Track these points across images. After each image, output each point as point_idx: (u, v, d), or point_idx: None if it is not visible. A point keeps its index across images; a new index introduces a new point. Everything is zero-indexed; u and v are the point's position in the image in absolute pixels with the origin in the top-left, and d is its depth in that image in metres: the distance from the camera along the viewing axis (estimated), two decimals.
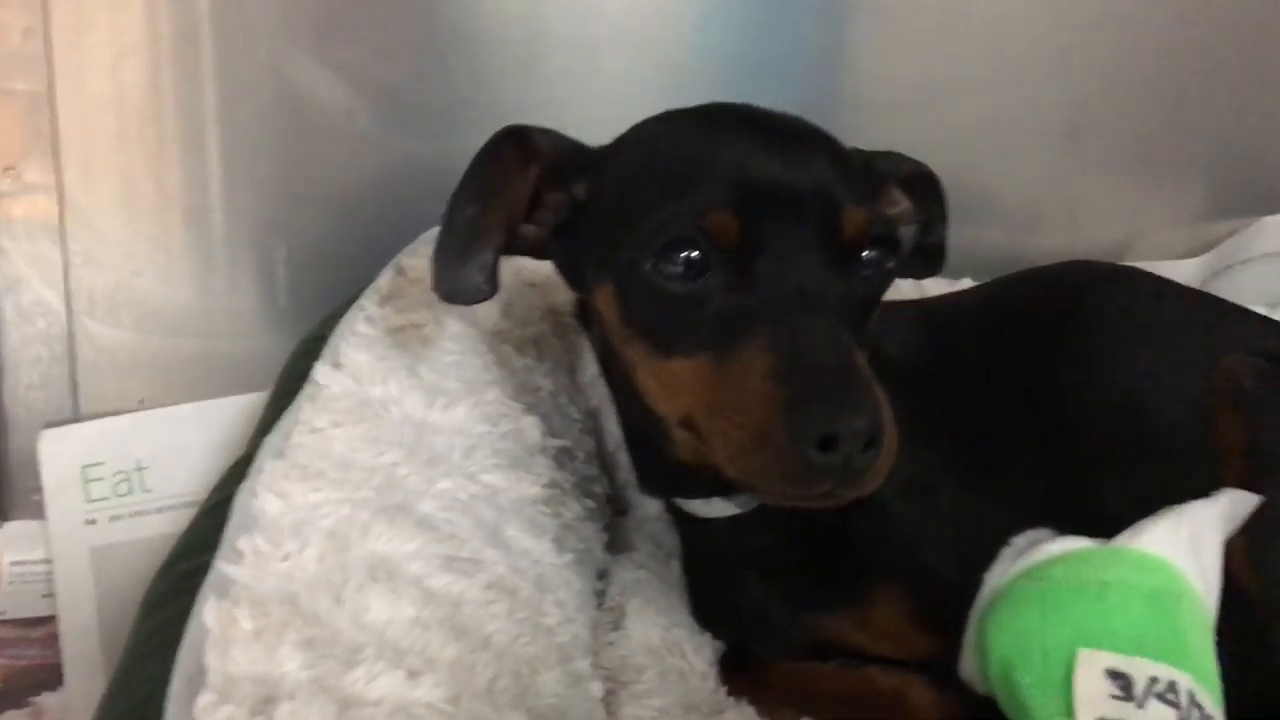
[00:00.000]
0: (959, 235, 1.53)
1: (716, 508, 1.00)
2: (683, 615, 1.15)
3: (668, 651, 1.11)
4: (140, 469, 1.41)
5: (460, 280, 0.91)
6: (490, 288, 0.92)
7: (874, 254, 0.86)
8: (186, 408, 1.43)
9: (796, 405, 0.75)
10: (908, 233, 0.97)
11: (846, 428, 0.73)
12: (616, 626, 1.13)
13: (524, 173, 0.93)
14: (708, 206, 0.82)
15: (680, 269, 0.83)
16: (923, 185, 0.94)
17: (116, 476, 1.40)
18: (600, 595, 1.17)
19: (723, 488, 0.94)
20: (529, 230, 0.96)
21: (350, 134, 1.38)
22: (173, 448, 1.41)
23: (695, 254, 0.83)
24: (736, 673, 1.09)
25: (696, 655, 1.11)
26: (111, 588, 1.35)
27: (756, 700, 1.05)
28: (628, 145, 0.94)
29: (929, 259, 0.98)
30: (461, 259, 0.91)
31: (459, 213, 0.91)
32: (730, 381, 0.80)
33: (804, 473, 0.75)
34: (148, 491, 1.40)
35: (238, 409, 1.41)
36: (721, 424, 0.80)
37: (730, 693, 1.07)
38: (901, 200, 0.95)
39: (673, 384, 0.87)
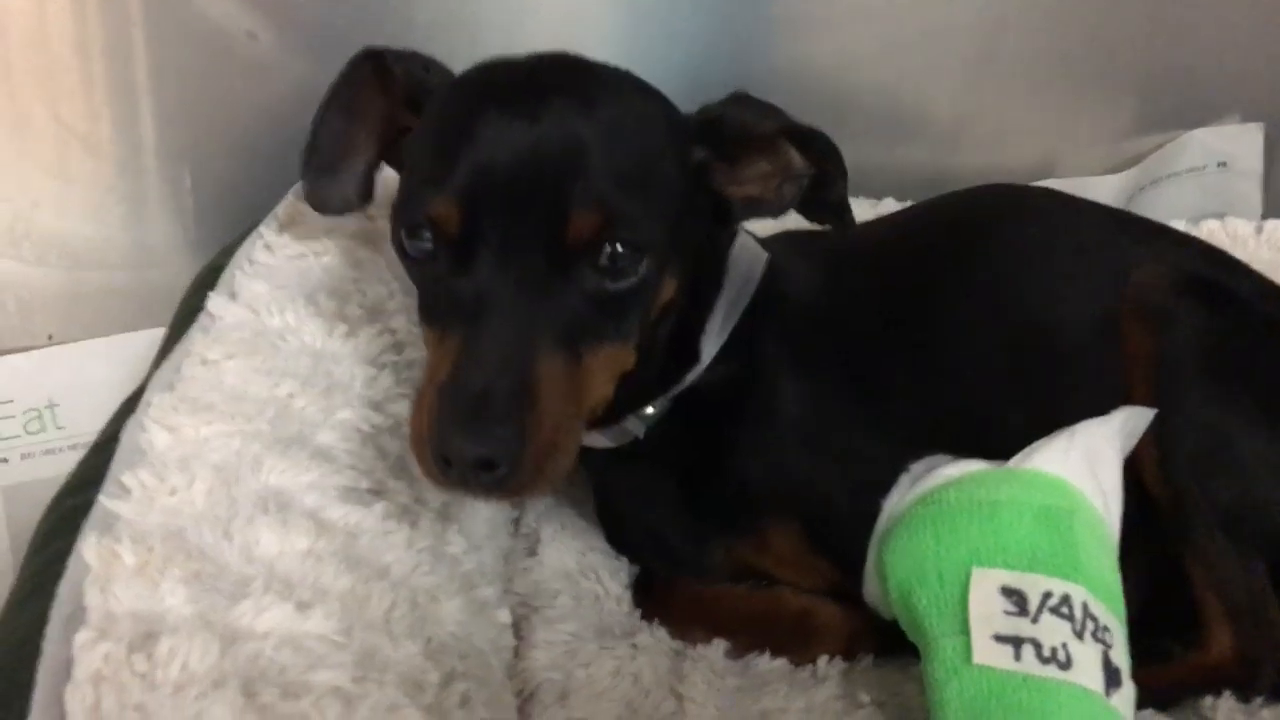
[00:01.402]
0: (885, 155, 1.54)
1: (593, 439, 1.00)
2: (599, 540, 1.15)
3: (582, 576, 1.11)
4: (51, 406, 1.38)
5: (330, 192, 0.96)
6: (360, 200, 0.96)
7: (624, 251, 0.83)
8: (98, 342, 1.39)
9: (437, 420, 0.79)
10: (790, 189, 0.94)
11: (458, 454, 0.78)
12: (532, 552, 1.13)
13: (382, 95, 0.94)
14: (436, 197, 0.83)
15: (423, 246, 0.85)
16: (814, 143, 0.91)
17: (27, 414, 1.37)
18: (516, 522, 1.16)
19: (595, 421, 0.94)
20: (408, 143, 0.95)
21: (253, 57, 1.33)
22: (85, 384, 1.38)
23: (427, 237, 0.84)
24: (649, 595, 1.10)
25: (611, 579, 1.11)
26: (24, 527, 1.31)
27: (668, 622, 1.06)
28: (435, 98, 0.92)
29: (835, 214, 0.96)
30: (330, 171, 0.95)
31: (325, 127, 0.94)
32: (433, 371, 0.83)
33: (440, 478, 0.81)
34: (60, 429, 1.37)
35: (151, 343, 1.36)
36: (414, 407, 0.84)
37: (643, 616, 1.08)
38: (789, 153, 0.92)
39: (425, 343, 0.90)
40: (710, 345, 1.01)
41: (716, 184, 0.93)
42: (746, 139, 0.92)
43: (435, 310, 0.87)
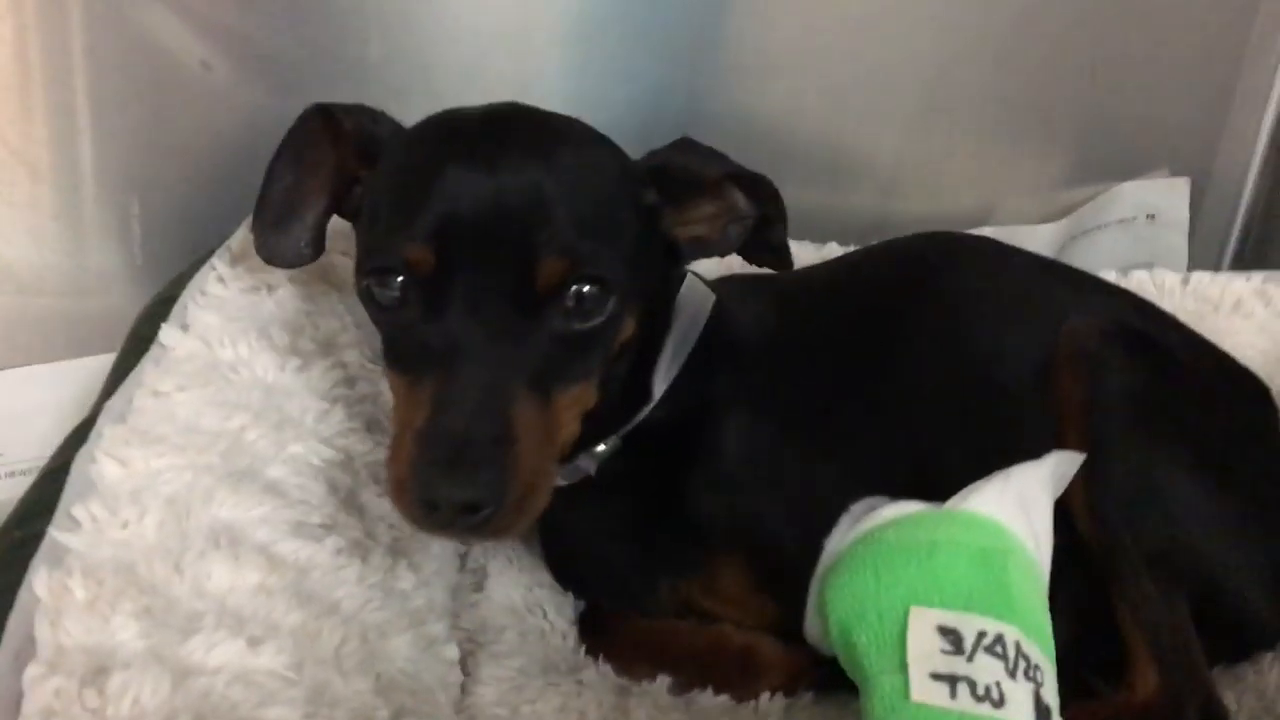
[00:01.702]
0: (828, 200, 1.57)
1: None
2: (545, 575, 1.16)
3: (529, 611, 1.12)
4: None
5: (281, 245, 0.97)
6: (313, 252, 0.98)
7: (591, 291, 0.87)
8: (39, 369, 1.38)
9: (418, 467, 0.81)
10: (736, 230, 0.98)
11: (444, 498, 0.80)
12: (478, 588, 1.13)
13: (333, 149, 0.96)
14: (410, 240, 0.85)
15: (391, 293, 0.87)
16: (757, 187, 0.95)
17: None
18: (463, 557, 1.17)
19: None
20: (359, 191, 0.97)
21: (207, 86, 1.33)
22: (24, 410, 1.36)
23: (399, 282, 0.86)
24: (594, 631, 1.11)
25: (558, 615, 1.12)
26: None
27: (613, 658, 1.07)
28: (396, 146, 0.94)
29: (775, 256, 1.00)
30: (282, 224, 0.96)
31: (276, 181, 0.96)
32: (405, 417, 0.85)
33: (423, 521, 0.83)
34: None
35: (93, 371, 1.36)
36: (392, 454, 0.85)
37: (588, 652, 1.08)
38: (733, 195, 0.96)
39: (391, 389, 0.91)
40: (660, 383, 1.03)
41: (665, 226, 0.96)
42: (693, 183, 0.95)
43: (404, 357, 0.88)
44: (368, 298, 0.89)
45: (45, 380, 1.37)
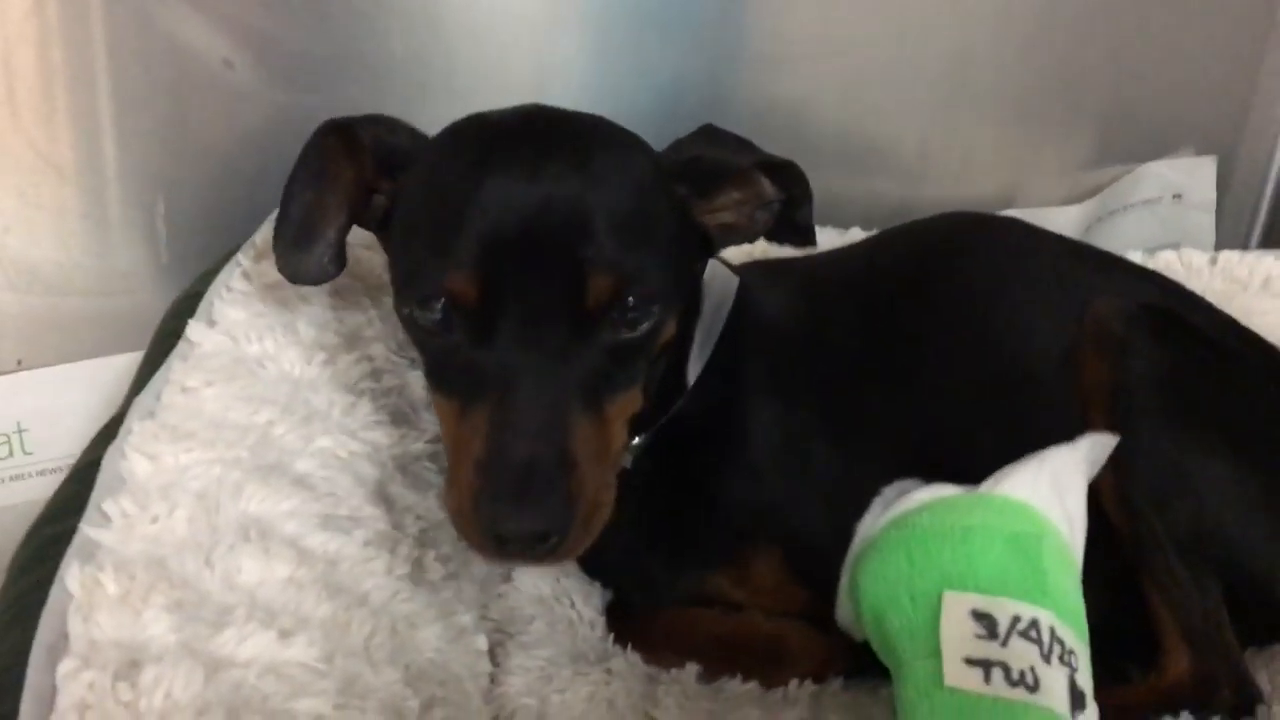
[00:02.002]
0: (851, 186, 1.57)
1: None
2: (572, 565, 1.16)
3: (556, 601, 1.12)
4: (20, 431, 1.37)
5: (304, 263, 0.94)
6: (336, 268, 0.95)
7: (638, 302, 0.86)
8: (68, 368, 1.39)
9: (483, 500, 0.81)
10: (763, 214, 0.97)
11: (514, 531, 0.80)
12: (507, 578, 1.13)
13: (351, 163, 0.93)
14: (453, 268, 0.83)
15: (434, 318, 0.86)
16: (786, 171, 0.95)
17: None
18: None
19: None
20: (379, 201, 0.95)
21: (230, 85, 1.34)
22: (54, 409, 1.38)
23: (442, 308, 0.85)
24: (622, 620, 1.11)
25: (585, 604, 1.12)
26: None
27: (641, 647, 1.07)
28: (424, 160, 0.92)
29: (800, 236, 0.99)
30: (302, 242, 0.93)
31: (295, 199, 0.93)
32: (461, 444, 0.85)
33: (490, 552, 0.83)
34: (29, 454, 1.37)
35: (121, 369, 1.37)
36: (451, 482, 0.85)
37: (616, 640, 1.09)
38: (760, 182, 0.96)
39: (438, 412, 0.91)
40: (693, 374, 1.03)
41: (694, 216, 0.95)
42: (720, 173, 0.94)
43: (451, 381, 0.87)
44: (409, 322, 0.88)
45: (73, 379, 1.38)
